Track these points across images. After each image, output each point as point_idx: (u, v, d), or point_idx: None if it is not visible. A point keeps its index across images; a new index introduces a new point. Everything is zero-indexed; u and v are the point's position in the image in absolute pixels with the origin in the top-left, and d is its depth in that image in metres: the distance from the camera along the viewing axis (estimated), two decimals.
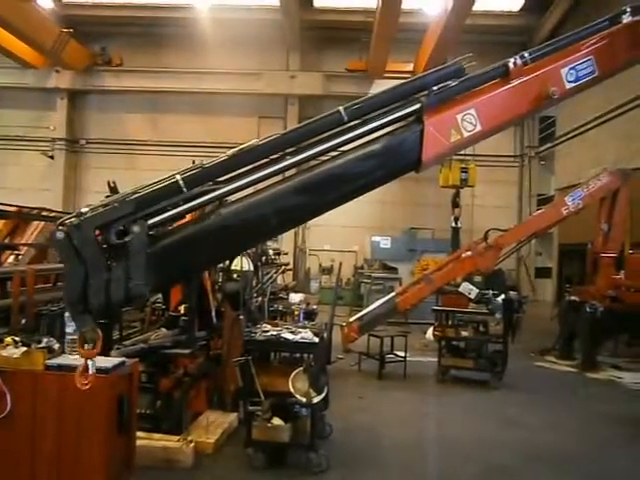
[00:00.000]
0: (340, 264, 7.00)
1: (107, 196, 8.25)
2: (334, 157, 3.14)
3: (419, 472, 5.01)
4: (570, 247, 16.58)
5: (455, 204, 10.55)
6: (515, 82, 3.39)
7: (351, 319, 8.95)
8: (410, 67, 20.36)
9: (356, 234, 20.72)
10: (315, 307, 8.36)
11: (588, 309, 9.21)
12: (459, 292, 7.82)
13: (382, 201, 21.78)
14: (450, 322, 8.56)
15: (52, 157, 21.59)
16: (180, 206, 2.81)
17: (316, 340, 4.59)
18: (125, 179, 13.36)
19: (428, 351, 9.56)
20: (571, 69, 3.55)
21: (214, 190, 2.83)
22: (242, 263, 5.88)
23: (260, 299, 6.89)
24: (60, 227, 2.65)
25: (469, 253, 8.21)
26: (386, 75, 20.58)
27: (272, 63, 21.44)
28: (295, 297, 8.12)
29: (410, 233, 17.31)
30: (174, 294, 5.43)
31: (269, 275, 8.71)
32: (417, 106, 3.11)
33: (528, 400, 7.39)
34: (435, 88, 3.14)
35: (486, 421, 6.48)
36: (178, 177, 2.78)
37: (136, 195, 2.74)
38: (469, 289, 7.64)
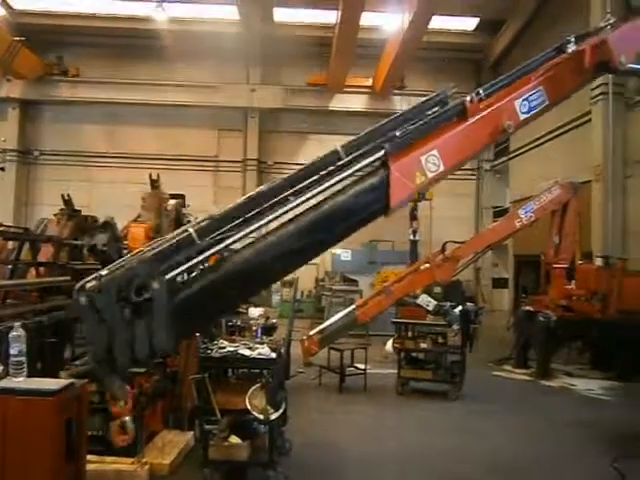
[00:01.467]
0: (297, 278, 6.97)
1: (61, 209, 8.02)
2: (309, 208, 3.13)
3: None
4: (525, 258, 17.09)
5: (413, 217, 10.70)
6: (472, 120, 3.48)
7: (311, 332, 8.93)
8: (369, 82, 20.71)
9: None
10: (274, 321, 8.29)
11: (541, 318, 9.48)
12: (417, 304, 7.91)
13: None
14: (410, 334, 8.64)
15: (3, 169, 20.84)
16: (194, 257, 2.85)
17: (273, 356, 4.55)
18: (81, 192, 13.11)
19: (388, 363, 9.61)
20: (524, 101, 3.68)
21: (227, 238, 2.87)
22: None
23: None
24: (81, 292, 2.70)
25: (427, 265, 8.33)
26: (346, 89, 20.88)
27: (232, 76, 21.40)
28: (254, 311, 8.02)
29: (370, 245, 17.43)
30: None
31: None
32: (381, 153, 3.16)
33: (486, 410, 7.51)
34: (397, 133, 3.22)
35: (446, 432, 6.55)
36: (191, 230, 2.84)
37: (152, 252, 2.80)
38: (427, 301, 7.75)
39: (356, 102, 21.25)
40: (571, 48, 3.79)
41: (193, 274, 2.94)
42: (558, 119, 15.43)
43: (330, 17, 17.66)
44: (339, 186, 3.12)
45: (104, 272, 2.74)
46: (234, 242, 2.91)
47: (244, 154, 21.79)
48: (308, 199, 3.06)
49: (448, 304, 7.81)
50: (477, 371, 9.73)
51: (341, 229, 3.17)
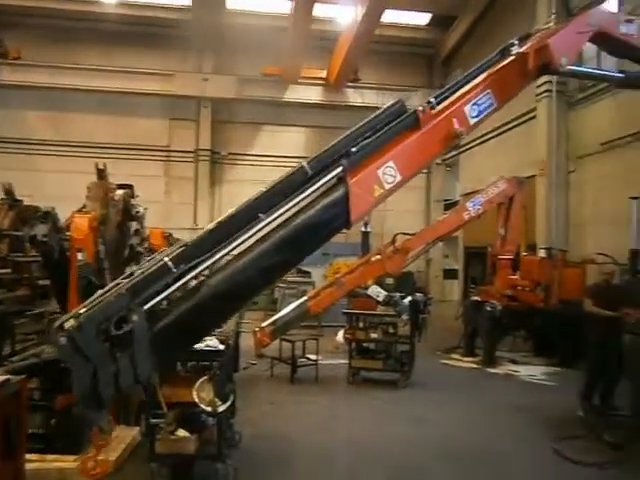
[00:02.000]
0: None
1: (1, 199, 7.62)
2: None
3: (329, 476, 5.06)
4: (474, 250, 17.56)
5: None
6: (425, 128, 3.57)
7: (263, 324, 8.92)
8: (323, 74, 20.69)
9: None
10: None
11: (488, 308, 9.79)
12: (368, 295, 8.01)
13: None
14: (361, 324, 8.75)
15: None
16: (171, 285, 2.86)
17: (222, 348, 4.51)
18: (24, 181, 12.55)
19: (340, 353, 9.71)
20: (473, 105, 3.80)
21: (202, 263, 2.89)
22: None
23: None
24: (60, 332, 2.66)
25: (378, 257, 8.43)
26: (301, 81, 20.79)
27: (184, 64, 20.93)
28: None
29: None
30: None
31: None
32: (339, 169, 3.21)
33: (434, 397, 7.71)
34: (354, 149, 3.26)
35: (395, 420, 6.69)
36: (166, 259, 2.84)
37: (129, 284, 2.79)
38: (377, 292, 7.86)
39: (311, 94, 21.19)
40: (515, 50, 3.93)
41: (172, 301, 2.94)
42: (505, 115, 15.85)
43: (284, 6, 17.53)
44: (305, 202, 3.19)
45: (82, 310, 2.71)
46: (209, 266, 2.93)
47: (196, 144, 21.40)
48: (276, 218, 3.12)
49: (398, 295, 7.94)
50: (427, 360, 9.97)
51: (308, 246, 3.26)
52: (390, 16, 19.50)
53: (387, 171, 3.40)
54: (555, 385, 8.63)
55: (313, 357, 8.65)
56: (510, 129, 16.27)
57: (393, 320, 8.31)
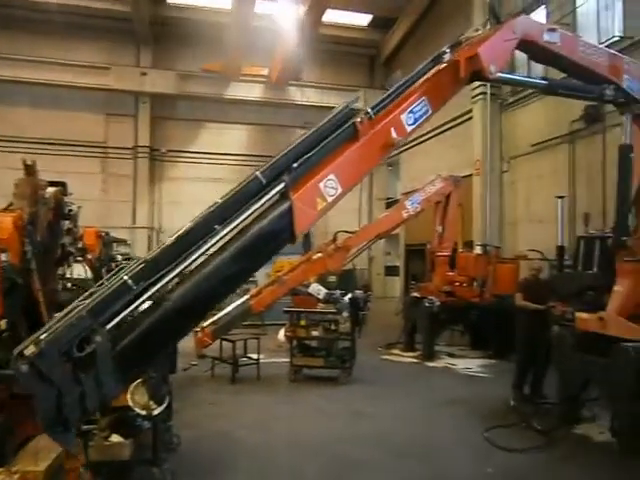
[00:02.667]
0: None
1: None
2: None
3: (269, 474, 5.06)
4: (414, 247, 18.00)
5: None
6: (364, 139, 3.63)
7: (204, 323, 8.80)
8: (265, 71, 20.58)
9: None
10: None
11: (426, 304, 10.06)
12: (309, 293, 8.06)
13: None
14: (302, 322, 8.78)
15: None
16: (132, 303, 2.86)
17: None
18: None
19: (282, 352, 9.71)
20: (409, 113, 3.92)
21: (162, 278, 2.90)
22: (79, 270, 5.46)
23: None
24: (21, 359, 2.58)
25: (319, 255, 8.50)
26: (242, 78, 20.59)
27: (122, 58, 20.29)
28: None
29: None
30: None
31: None
32: (282, 185, 3.25)
33: (374, 392, 7.85)
34: (295, 165, 3.30)
35: (335, 416, 6.76)
36: (125, 277, 2.82)
37: (89, 305, 2.76)
38: (318, 290, 7.92)
39: (252, 91, 21.04)
40: (447, 58, 4.07)
41: (135, 317, 2.95)
42: (444, 116, 16.30)
43: (225, 2, 17.29)
44: (253, 218, 3.25)
45: (42, 335, 2.65)
46: (170, 281, 2.94)
47: (135, 141, 20.81)
48: (231, 231, 3.18)
49: (338, 292, 8.03)
50: (368, 356, 10.15)
51: (260, 258, 3.33)
52: (332, 16, 19.66)
53: (329, 184, 3.48)
54: (489, 377, 8.98)
55: (254, 356, 8.61)
56: (448, 129, 16.76)
57: (334, 317, 8.39)
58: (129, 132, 20.87)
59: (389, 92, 3.87)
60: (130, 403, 4.05)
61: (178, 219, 21.09)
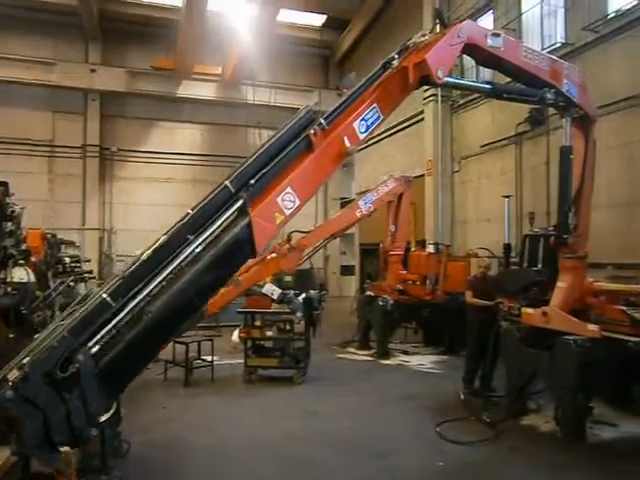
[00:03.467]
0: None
1: None
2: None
3: (222, 478, 5.02)
4: (369, 246, 18.18)
5: None
6: (318, 151, 3.70)
7: None
8: (219, 70, 20.38)
9: None
10: None
11: (380, 302, 10.20)
12: (263, 293, 8.03)
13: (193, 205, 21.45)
14: (257, 323, 8.74)
15: None
16: (112, 320, 2.90)
17: None
18: None
19: (237, 353, 9.62)
20: (361, 121, 4.02)
21: (140, 292, 2.97)
22: (21, 274, 5.26)
23: (47, 313, 6.24)
24: (4, 385, 2.60)
25: (274, 255, 8.47)
26: (195, 77, 20.32)
27: (69, 53, 19.69)
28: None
29: None
30: None
31: (63, 285, 7.94)
32: (240, 202, 3.32)
33: (328, 391, 7.89)
34: (252, 181, 3.36)
35: (289, 416, 6.76)
36: (104, 295, 2.88)
37: (70, 325, 2.77)
38: (272, 290, 7.89)
39: (205, 90, 20.80)
40: (395, 64, 4.15)
41: (115, 333, 3.00)
42: (397, 117, 16.55)
43: None
44: (215, 235, 3.38)
45: (25, 360, 2.66)
46: (148, 294, 3.01)
47: (84, 139, 20.22)
48: (201, 244, 3.32)
49: (292, 292, 8.03)
50: (324, 355, 10.20)
51: (224, 273, 3.45)
52: (287, 16, 19.65)
53: (286, 197, 3.56)
54: (441, 372, 9.18)
55: (208, 358, 8.51)
56: (401, 130, 17.04)
57: (288, 317, 8.39)
58: (78, 130, 20.26)
59: (341, 102, 3.92)
60: None
61: (130, 220, 20.76)
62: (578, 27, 10.52)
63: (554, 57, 6.25)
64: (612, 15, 10.00)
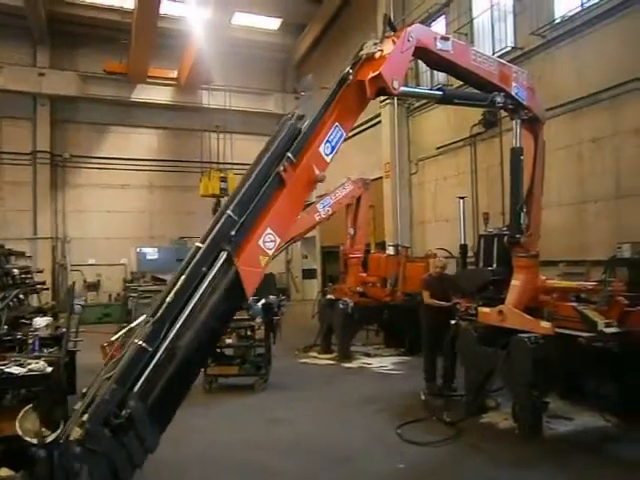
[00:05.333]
0: (74, 282, 6.48)
1: None
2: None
3: None
4: (330, 249, 18.20)
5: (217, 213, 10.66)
6: (290, 185, 3.71)
7: (113, 337, 8.40)
8: (174, 74, 20.05)
9: (124, 246, 19.52)
10: (63, 330, 7.57)
11: (341, 305, 10.20)
12: None
13: (151, 211, 21.00)
14: None
15: None
16: (151, 362, 3.11)
17: (49, 370, 4.11)
18: None
19: None
20: (326, 143, 4.00)
21: (169, 332, 3.17)
22: None
23: None
24: (71, 444, 2.83)
25: None
26: (150, 81, 19.93)
27: (15, 56, 18.95)
28: (40, 321, 7.17)
29: (179, 243, 16.92)
30: None
31: (8, 299, 7.59)
32: (225, 255, 3.40)
33: (290, 397, 7.82)
34: (233, 232, 3.43)
35: (251, 424, 6.66)
36: (140, 342, 3.09)
37: (116, 375, 3.01)
38: None
39: (161, 94, 20.42)
40: (351, 78, 4.14)
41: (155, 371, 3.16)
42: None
43: (129, 1, 16.64)
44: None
45: (84, 418, 2.89)
46: (177, 333, 3.21)
47: (34, 146, 19.51)
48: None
49: (251, 298, 7.91)
50: (285, 360, 10.12)
51: (223, 321, 3.68)
52: (243, 19, 19.52)
53: (267, 238, 3.62)
54: (402, 373, 9.24)
55: None
56: (360, 132, 17.11)
57: (247, 324, 8.27)
58: (26, 136, 19.53)
59: (304, 132, 3.91)
60: (19, 432, 3.74)
61: (85, 228, 20.17)
62: (527, 32, 10.82)
63: (503, 61, 6.39)
64: (558, 20, 10.32)
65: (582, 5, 9.78)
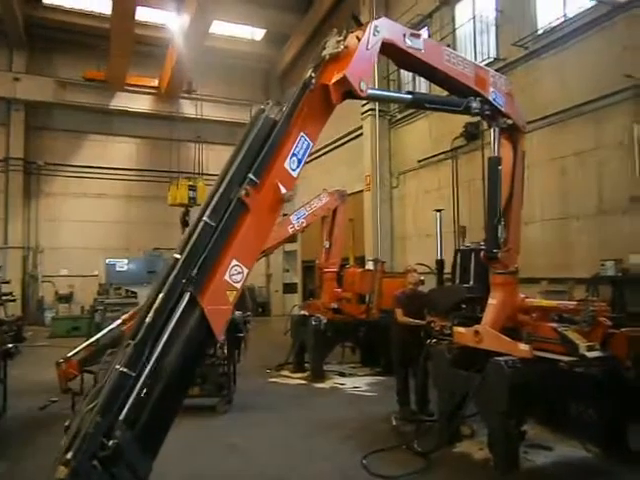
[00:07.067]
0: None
1: None
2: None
3: None
4: (311, 263, 17.74)
5: (185, 223, 10.18)
6: (254, 209, 3.38)
7: (69, 353, 7.95)
8: (155, 82, 19.70)
9: (99, 257, 18.90)
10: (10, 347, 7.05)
11: (313, 322, 9.70)
12: None
13: (127, 221, 20.46)
14: None
15: None
16: (135, 387, 2.94)
17: None
18: None
19: None
20: (292, 157, 3.64)
21: (152, 354, 2.99)
22: None
23: None
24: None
25: None
26: (129, 89, 19.55)
27: None
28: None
29: (152, 254, 16.36)
30: None
31: None
32: (188, 296, 3.12)
33: (252, 420, 7.29)
34: (194, 273, 3.16)
35: (204, 451, 6.12)
36: (122, 369, 2.92)
37: (99, 406, 2.84)
38: None
39: (141, 103, 20.04)
40: (314, 83, 3.74)
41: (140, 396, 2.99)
42: (337, 132, 16.32)
43: (106, 7, 16.28)
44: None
45: (69, 455, 2.70)
46: (160, 354, 3.01)
47: (6, 152, 18.98)
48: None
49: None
50: (254, 379, 9.59)
51: (195, 363, 3.47)
52: (226, 29, 19.25)
53: (234, 271, 3.30)
54: (376, 395, 8.72)
55: None
56: (342, 145, 16.81)
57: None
58: (0, 142, 18.99)
59: (266, 149, 3.52)
60: None
61: (58, 237, 19.54)
62: (509, 43, 10.57)
63: (480, 64, 6.04)
64: (541, 32, 10.08)
65: (565, 16, 9.54)
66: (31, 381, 9.38)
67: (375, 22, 4.33)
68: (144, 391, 2.98)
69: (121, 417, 2.87)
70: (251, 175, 3.44)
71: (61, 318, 17.38)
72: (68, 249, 19.55)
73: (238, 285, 3.34)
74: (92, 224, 19.76)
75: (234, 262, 3.30)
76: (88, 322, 16.29)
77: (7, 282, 15.17)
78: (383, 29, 4.36)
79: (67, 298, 19.60)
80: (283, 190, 3.53)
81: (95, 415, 2.82)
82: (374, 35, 4.28)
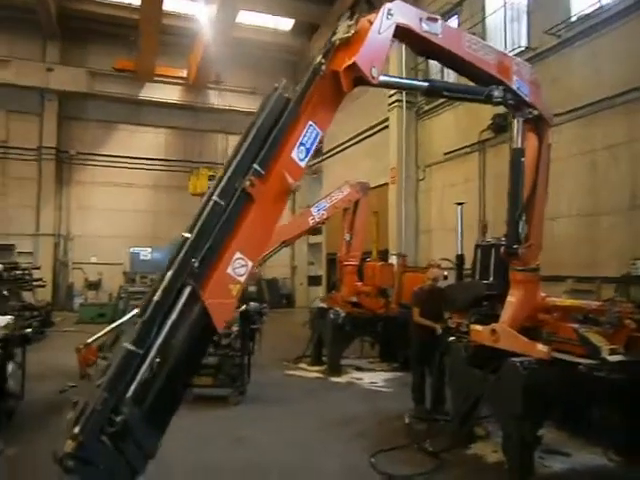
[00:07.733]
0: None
1: None
2: None
3: None
4: (334, 256, 17.62)
5: None
6: (259, 200, 3.26)
7: (89, 339, 8.02)
8: (184, 73, 19.79)
9: (125, 245, 19.19)
10: (27, 331, 7.16)
11: (331, 315, 9.57)
12: None
13: (155, 211, 20.69)
14: None
15: None
16: (142, 364, 2.91)
17: None
18: None
19: None
20: (300, 147, 3.50)
21: (160, 332, 2.96)
22: None
23: None
24: (66, 458, 2.62)
25: None
26: (159, 79, 19.71)
27: (25, 51, 18.90)
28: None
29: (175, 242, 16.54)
30: None
31: None
32: (189, 289, 3.05)
33: (265, 413, 7.23)
34: (196, 265, 3.07)
35: (213, 443, 6.09)
36: (129, 346, 2.89)
37: (106, 383, 2.82)
38: None
39: (170, 93, 20.18)
40: (324, 69, 3.58)
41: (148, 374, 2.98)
42: (363, 124, 16.10)
43: None
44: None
45: (75, 429, 2.67)
46: (168, 332, 2.97)
47: (40, 141, 19.39)
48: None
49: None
50: (272, 371, 9.55)
51: (198, 359, 3.48)
52: (254, 19, 19.17)
53: (237, 264, 3.19)
54: (392, 391, 8.56)
55: None
56: (366, 138, 16.58)
57: (228, 332, 7.71)
58: (33, 131, 19.44)
59: (272, 138, 3.38)
60: None
61: (88, 225, 19.89)
62: (541, 31, 10.17)
63: (503, 51, 5.77)
64: (574, 19, 9.65)
65: (600, 2, 9.10)
66: (53, 365, 9.54)
67: (388, 5, 4.13)
68: (151, 370, 2.95)
69: (128, 394, 2.86)
70: (256, 165, 3.32)
71: (88, 305, 17.72)
72: (97, 237, 19.90)
73: (242, 278, 3.23)
74: (120, 213, 20.06)
75: (238, 255, 3.20)
76: (113, 309, 16.59)
77: (37, 268, 15.60)
78: (397, 12, 4.15)
79: (96, 285, 20.01)
80: (290, 180, 3.40)
81: (102, 391, 2.82)
82: (387, 19, 4.09)
